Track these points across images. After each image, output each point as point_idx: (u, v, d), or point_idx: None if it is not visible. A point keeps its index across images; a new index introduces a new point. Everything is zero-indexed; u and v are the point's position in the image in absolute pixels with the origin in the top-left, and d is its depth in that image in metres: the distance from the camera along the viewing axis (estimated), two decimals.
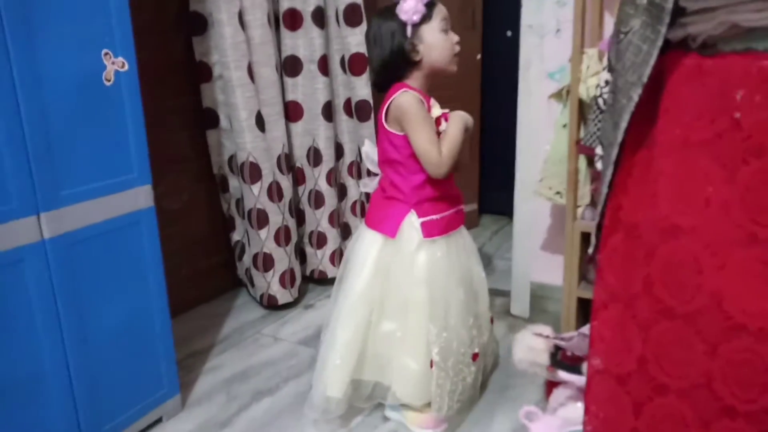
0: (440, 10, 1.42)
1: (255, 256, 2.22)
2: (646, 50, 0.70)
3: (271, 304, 2.27)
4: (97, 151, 1.39)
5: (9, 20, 1.18)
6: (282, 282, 2.25)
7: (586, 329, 0.94)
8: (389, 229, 1.46)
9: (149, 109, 1.98)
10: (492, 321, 1.71)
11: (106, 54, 1.38)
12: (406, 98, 1.39)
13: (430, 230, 1.45)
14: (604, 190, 0.78)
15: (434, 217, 1.46)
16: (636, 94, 0.71)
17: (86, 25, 1.34)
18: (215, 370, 1.91)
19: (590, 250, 0.82)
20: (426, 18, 1.39)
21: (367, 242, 1.50)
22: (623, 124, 0.73)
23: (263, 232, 2.18)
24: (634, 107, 0.72)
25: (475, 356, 1.54)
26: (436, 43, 1.40)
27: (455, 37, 1.44)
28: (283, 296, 2.26)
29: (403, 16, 1.38)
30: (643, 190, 0.73)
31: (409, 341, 1.48)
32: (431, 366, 1.45)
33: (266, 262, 2.21)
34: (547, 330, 0.97)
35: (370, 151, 1.57)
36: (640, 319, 0.74)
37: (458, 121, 1.45)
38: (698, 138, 0.68)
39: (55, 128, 1.29)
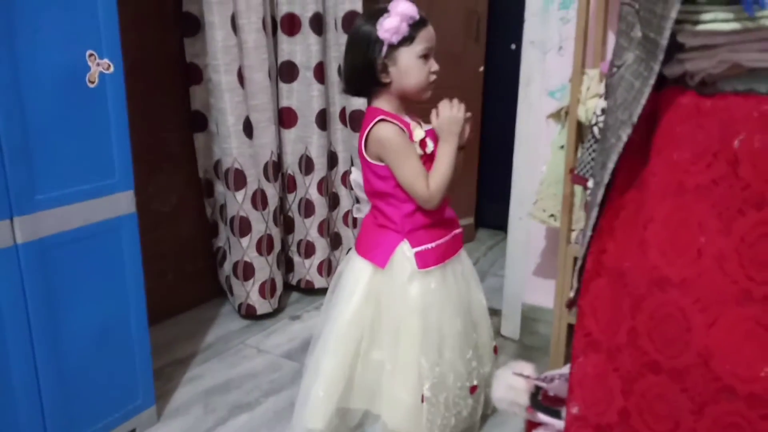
0: (425, 35, 1.29)
1: (235, 264, 2.18)
2: (638, 88, 0.65)
3: (250, 314, 2.23)
4: (77, 155, 1.35)
5: None
6: (262, 292, 2.20)
7: (568, 369, 0.89)
8: (379, 258, 1.38)
9: (141, 108, 1.95)
10: (496, 351, 1.61)
11: (91, 55, 1.34)
12: (384, 132, 1.30)
13: (425, 260, 1.37)
14: (588, 232, 0.73)
15: (429, 246, 1.38)
16: (625, 134, 0.66)
17: (70, 25, 1.29)
18: (195, 380, 1.87)
19: (572, 294, 0.77)
20: (407, 40, 1.27)
21: (356, 269, 1.43)
22: (611, 165, 0.68)
23: (245, 240, 2.13)
24: (623, 147, 0.67)
25: (473, 389, 1.46)
26: (411, 70, 1.29)
27: (434, 66, 1.31)
28: (262, 306, 2.22)
29: (381, 34, 1.25)
30: (630, 235, 0.68)
31: (399, 373, 1.40)
32: (422, 400, 1.38)
33: (247, 271, 2.16)
34: (528, 369, 0.93)
35: (358, 179, 1.46)
36: (623, 371, 0.69)
37: (448, 150, 1.33)
38: (693, 183, 0.64)
39: (32, 130, 1.25)
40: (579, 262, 0.76)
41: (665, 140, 0.67)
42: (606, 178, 0.69)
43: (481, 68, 2.94)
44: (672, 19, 0.60)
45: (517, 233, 2.04)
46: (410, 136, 1.33)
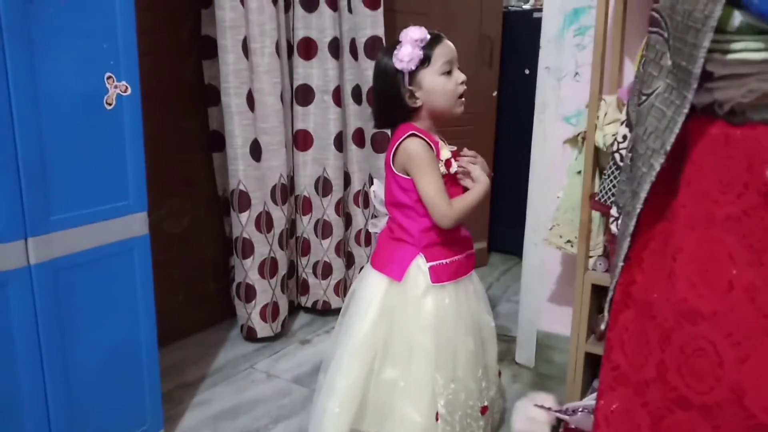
0: (442, 51, 1.33)
1: (238, 285, 2.18)
2: (671, 116, 0.64)
3: (250, 337, 2.20)
4: (92, 177, 1.35)
5: (9, 37, 1.15)
6: (263, 315, 2.18)
7: (591, 401, 0.87)
8: (396, 272, 1.40)
9: (159, 130, 1.96)
10: (500, 374, 1.61)
11: (109, 77, 1.35)
12: (413, 145, 1.33)
13: (438, 275, 1.39)
14: (620, 263, 0.71)
15: (443, 261, 1.40)
16: (658, 163, 0.65)
17: (90, 48, 1.31)
18: (204, 404, 1.84)
19: (602, 326, 0.75)
20: (424, 62, 1.31)
21: (372, 284, 1.43)
22: (643, 194, 0.67)
23: (248, 262, 2.13)
24: (655, 176, 0.65)
25: (483, 409, 1.45)
26: (436, 88, 1.33)
27: (460, 77, 1.35)
28: (262, 329, 2.19)
29: (398, 65, 1.31)
30: (659, 266, 0.66)
31: (412, 391, 1.39)
32: (437, 419, 1.37)
33: (248, 293, 2.16)
34: (549, 401, 0.90)
35: (378, 191, 1.50)
36: (651, 407, 0.67)
37: (481, 190, 1.41)
38: (723, 214, 0.62)
39: (49, 151, 1.26)
40: (609, 294, 0.74)
41: (694, 170, 0.65)
42: (638, 208, 0.68)
43: (495, 93, 2.94)
44: (705, 48, 0.59)
45: (532, 259, 2.01)
46: (437, 154, 1.37)
